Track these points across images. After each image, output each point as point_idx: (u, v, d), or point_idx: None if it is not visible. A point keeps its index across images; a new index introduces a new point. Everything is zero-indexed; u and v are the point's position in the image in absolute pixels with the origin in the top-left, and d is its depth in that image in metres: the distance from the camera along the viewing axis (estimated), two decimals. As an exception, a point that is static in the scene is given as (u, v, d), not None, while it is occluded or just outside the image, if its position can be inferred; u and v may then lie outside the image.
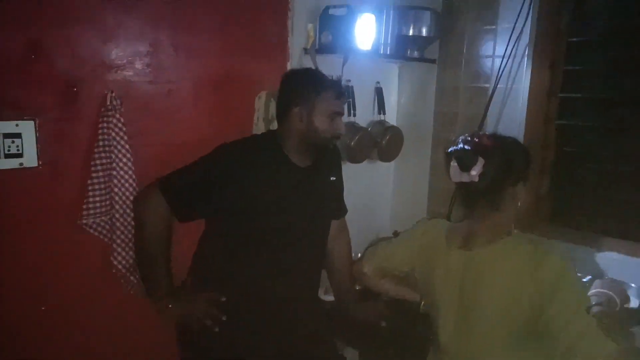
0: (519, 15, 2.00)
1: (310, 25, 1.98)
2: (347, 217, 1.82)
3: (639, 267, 1.81)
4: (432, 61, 2.34)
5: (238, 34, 1.81)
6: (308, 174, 1.55)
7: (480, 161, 1.16)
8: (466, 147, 1.20)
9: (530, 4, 1.98)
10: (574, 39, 2.08)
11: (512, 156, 1.22)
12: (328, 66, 1.98)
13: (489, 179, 1.18)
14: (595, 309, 1.17)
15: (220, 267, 1.54)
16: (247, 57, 1.85)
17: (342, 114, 1.52)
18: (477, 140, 1.21)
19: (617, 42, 2.06)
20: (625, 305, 1.51)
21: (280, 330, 1.55)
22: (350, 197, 2.17)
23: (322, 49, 1.97)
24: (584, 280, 1.69)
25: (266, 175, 1.47)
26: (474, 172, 1.17)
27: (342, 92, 1.53)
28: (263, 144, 1.55)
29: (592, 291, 1.28)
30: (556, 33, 2.09)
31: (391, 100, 2.47)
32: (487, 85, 2.17)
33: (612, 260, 1.88)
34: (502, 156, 1.19)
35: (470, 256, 1.22)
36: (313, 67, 1.85)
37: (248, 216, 1.47)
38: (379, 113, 2.35)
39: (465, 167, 1.18)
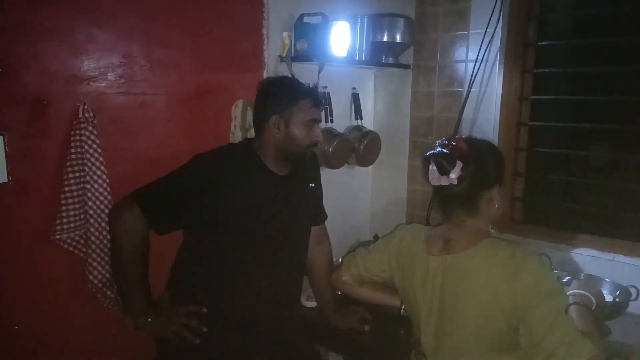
0: (489, 22, 2.04)
1: (285, 34, 1.99)
2: (328, 222, 1.83)
3: (611, 263, 1.86)
4: (407, 67, 2.37)
5: (212, 44, 1.80)
6: (286, 182, 1.55)
7: (458, 164, 1.18)
8: (444, 150, 1.22)
9: (500, 11, 2.03)
10: (543, 43, 2.13)
11: (488, 160, 1.24)
12: (304, 73, 1.99)
13: (467, 183, 1.20)
14: (572, 308, 1.19)
15: (199, 279, 1.52)
16: (222, 67, 1.84)
17: (319, 121, 1.52)
18: (454, 144, 1.23)
19: (584, 46, 2.13)
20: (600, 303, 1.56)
21: (261, 340, 1.54)
22: (329, 202, 2.18)
23: (297, 56, 1.97)
24: (564, 280, 1.73)
25: (243, 184, 1.46)
26: (453, 175, 1.19)
27: (319, 100, 1.53)
28: (240, 153, 1.54)
29: (570, 291, 1.32)
30: (525, 39, 2.15)
31: (368, 105, 2.49)
32: (461, 89, 2.22)
33: (586, 257, 1.93)
34: (478, 160, 1.21)
35: (450, 260, 1.23)
36: (289, 75, 1.85)
37: (226, 226, 1.46)
38: (356, 118, 2.37)
39: (444, 171, 1.20)
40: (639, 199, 1.86)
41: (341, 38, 1.98)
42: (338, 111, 2.27)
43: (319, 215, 1.77)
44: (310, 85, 1.56)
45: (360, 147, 2.30)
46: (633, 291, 1.57)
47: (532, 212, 2.27)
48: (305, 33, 1.95)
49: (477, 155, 1.22)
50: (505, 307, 1.13)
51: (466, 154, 1.20)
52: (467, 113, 2.19)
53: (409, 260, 1.34)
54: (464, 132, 2.21)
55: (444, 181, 1.21)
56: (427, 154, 1.26)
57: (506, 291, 1.12)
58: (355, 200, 2.54)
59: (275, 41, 1.98)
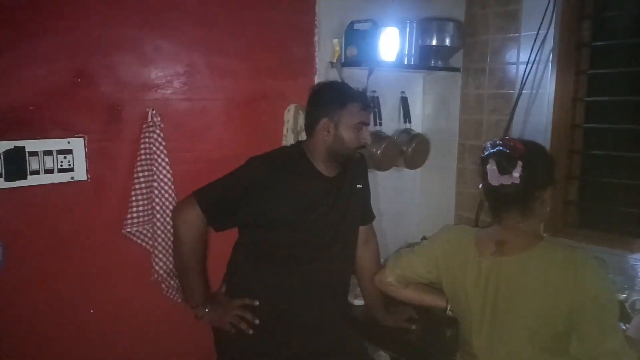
0: (541, 23, 2.02)
1: (336, 40, 2.06)
2: (376, 223, 1.88)
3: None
4: (456, 70, 2.38)
5: (267, 52, 1.91)
6: (335, 183, 1.61)
7: (519, 164, 1.19)
8: (505, 150, 1.22)
9: (553, 12, 2.01)
10: (598, 44, 2.08)
11: (543, 160, 1.26)
12: (354, 78, 2.06)
13: (526, 182, 1.20)
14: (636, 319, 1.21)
15: (252, 274, 1.61)
16: (276, 73, 1.95)
17: (367, 124, 1.58)
18: (512, 144, 1.23)
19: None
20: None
21: (309, 333, 1.61)
22: (378, 204, 2.24)
23: (347, 62, 2.04)
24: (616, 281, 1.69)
25: (294, 186, 1.54)
26: (516, 173, 1.19)
27: (368, 103, 1.59)
28: (291, 155, 1.63)
29: (635, 298, 1.32)
30: (579, 39, 2.10)
31: (416, 109, 2.52)
32: (511, 91, 2.20)
33: (641, 264, 1.87)
34: (535, 160, 1.22)
35: (504, 262, 1.23)
36: (339, 80, 1.93)
37: (277, 225, 1.55)
38: (405, 122, 2.40)
39: (505, 170, 1.20)
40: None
41: (390, 43, 2.03)
42: (387, 114, 2.32)
43: (367, 215, 1.82)
44: (359, 90, 1.61)
45: (409, 150, 2.33)
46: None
47: (586, 216, 2.21)
48: (355, 39, 2.01)
49: (533, 156, 1.23)
50: (563, 310, 1.13)
51: (525, 153, 1.21)
52: (518, 115, 2.17)
53: (459, 261, 1.34)
54: (514, 134, 2.19)
55: (505, 180, 1.20)
56: (485, 154, 1.26)
57: (565, 295, 1.13)
58: (404, 202, 2.57)
59: (326, 47, 2.06)
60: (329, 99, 1.55)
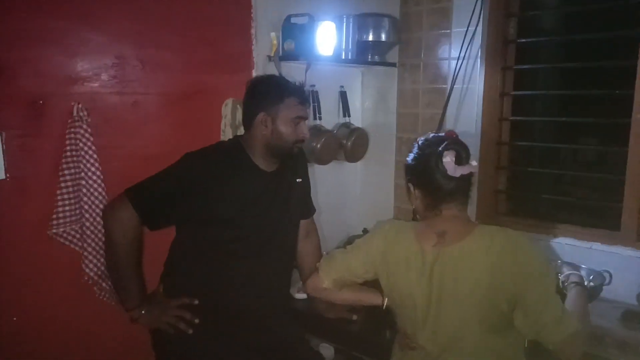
0: (470, 20, 2.11)
1: (273, 34, 2.05)
2: (318, 216, 1.89)
3: (589, 251, 1.94)
4: (393, 65, 2.44)
5: (202, 46, 1.86)
6: (274, 178, 1.61)
7: (472, 162, 1.23)
8: (459, 141, 1.26)
9: (480, 10, 2.10)
10: (522, 40, 2.21)
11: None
12: (292, 72, 2.06)
13: (470, 178, 1.26)
14: (574, 288, 1.31)
15: (191, 272, 1.58)
16: (212, 67, 1.90)
17: (305, 118, 1.58)
18: (455, 136, 1.27)
19: (563, 43, 2.21)
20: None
21: (251, 330, 1.61)
22: (319, 197, 2.25)
23: (285, 56, 2.04)
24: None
25: (232, 181, 1.52)
26: (474, 162, 1.23)
27: (305, 98, 1.59)
28: (228, 151, 1.60)
29: (568, 272, 1.41)
30: (506, 36, 2.22)
31: (356, 103, 2.56)
32: (444, 86, 2.29)
33: (565, 246, 2.01)
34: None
35: (447, 252, 1.25)
36: (277, 74, 1.92)
37: (216, 222, 1.52)
38: (344, 116, 2.43)
39: (463, 160, 1.23)
40: (615, 190, 1.93)
41: (327, 38, 2.05)
42: (326, 109, 2.33)
43: (307, 209, 1.83)
44: (297, 84, 1.62)
45: (348, 144, 2.36)
46: (607, 275, 1.65)
47: (515, 204, 2.34)
48: (293, 33, 2.01)
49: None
50: (506, 288, 1.18)
51: (467, 152, 1.25)
52: (451, 109, 2.26)
53: (399, 256, 1.34)
54: (447, 127, 2.28)
55: (464, 170, 1.22)
56: (441, 147, 1.23)
57: (507, 273, 1.17)
58: (345, 195, 2.61)
59: (264, 41, 2.04)
60: (266, 93, 1.54)
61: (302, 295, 2.03)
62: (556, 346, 1.16)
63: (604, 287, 1.69)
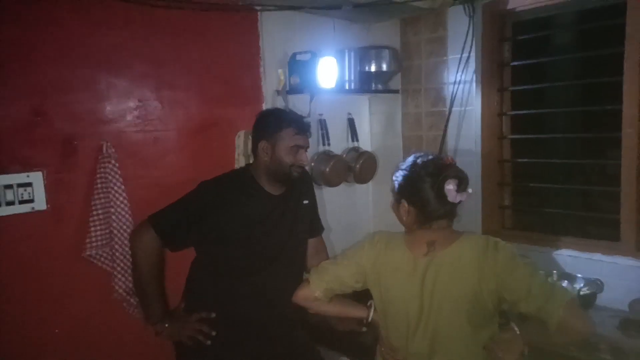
0: (464, 47, 2.25)
1: (280, 70, 2.25)
2: (331, 235, 2.02)
3: (589, 261, 2.00)
4: (396, 91, 2.60)
5: (215, 83, 2.08)
6: (281, 201, 1.77)
7: (469, 189, 1.32)
8: (460, 169, 1.33)
9: (472, 37, 2.24)
10: (515, 63, 2.32)
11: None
12: (299, 104, 2.26)
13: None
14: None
15: (209, 288, 1.74)
16: (225, 102, 2.12)
17: (303, 146, 1.73)
18: (454, 162, 1.35)
19: (556, 63, 2.31)
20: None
21: (264, 342, 1.74)
22: (332, 217, 2.40)
23: (291, 90, 2.23)
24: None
25: (242, 205, 1.69)
26: (471, 190, 1.32)
27: (303, 128, 1.73)
28: (239, 178, 1.78)
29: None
30: (500, 59, 2.34)
31: (364, 128, 2.72)
32: (444, 109, 2.42)
33: (567, 257, 2.07)
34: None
35: (437, 258, 1.34)
36: (281, 107, 2.10)
37: (228, 242, 1.69)
38: (352, 140, 2.59)
39: (463, 187, 1.30)
40: (606, 200, 1.98)
41: (328, 71, 2.23)
42: (335, 135, 2.51)
43: (315, 228, 1.96)
44: (300, 115, 1.78)
45: (357, 166, 2.51)
46: (600, 284, 1.71)
47: (520, 219, 2.41)
48: (297, 69, 2.21)
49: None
50: (490, 288, 1.27)
51: (463, 176, 1.34)
52: (452, 130, 2.39)
53: (391, 266, 1.39)
54: (449, 146, 2.40)
55: (462, 197, 1.30)
56: (444, 174, 1.29)
57: (489, 273, 1.27)
58: (358, 215, 2.73)
59: (272, 77, 2.25)
60: (267, 124, 1.72)
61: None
62: (562, 319, 1.19)
63: (603, 296, 1.75)
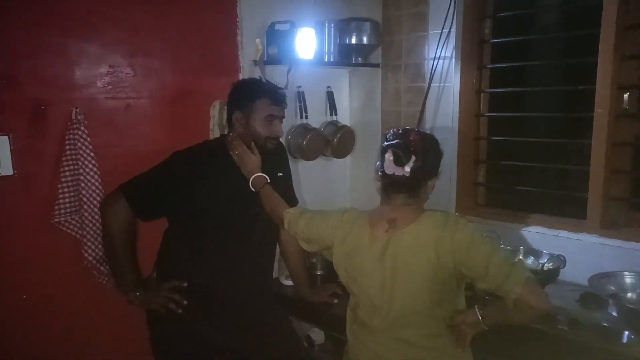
0: (444, 22, 2.24)
1: (258, 40, 2.21)
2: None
3: (556, 238, 2.05)
4: (377, 66, 2.58)
5: (191, 52, 2.05)
6: None
7: (412, 158, 1.32)
8: (402, 143, 1.34)
9: (454, 12, 2.22)
10: (496, 41, 2.32)
11: (433, 154, 1.38)
12: (276, 75, 2.23)
13: (416, 174, 1.33)
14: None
15: (181, 259, 1.75)
16: (201, 72, 2.08)
17: (278, 117, 1.72)
18: (410, 138, 1.35)
19: (535, 42, 2.31)
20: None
21: (236, 312, 1.76)
22: (309, 191, 2.40)
23: (269, 60, 2.20)
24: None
25: (215, 176, 1.69)
26: (408, 168, 1.31)
27: (278, 98, 1.73)
28: (212, 148, 1.77)
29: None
30: (481, 37, 2.33)
31: (344, 102, 2.70)
32: (423, 85, 2.41)
33: (534, 234, 2.12)
34: (427, 154, 1.35)
35: (397, 236, 1.36)
36: (258, 77, 2.08)
37: (201, 213, 1.69)
38: (331, 114, 2.58)
39: (400, 162, 1.32)
40: (582, 180, 2.02)
41: (307, 42, 2.20)
42: (314, 108, 2.49)
43: (290, 201, 1.94)
44: (276, 85, 1.76)
45: (334, 140, 2.51)
46: (563, 259, 1.76)
47: (493, 196, 2.45)
48: (276, 39, 2.17)
49: (427, 150, 1.34)
50: (448, 266, 1.30)
51: (419, 148, 1.33)
52: (429, 106, 2.39)
53: (354, 243, 1.42)
54: (427, 123, 2.41)
55: (398, 171, 1.32)
56: (385, 144, 1.35)
57: (447, 249, 1.29)
58: (335, 189, 2.75)
59: (250, 47, 2.21)
60: (241, 94, 1.71)
61: (289, 282, 2.19)
62: (519, 297, 1.21)
63: (567, 271, 1.81)
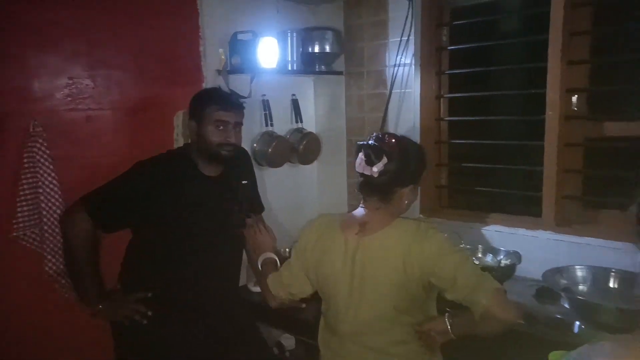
0: (403, 30, 2.31)
1: (221, 50, 2.24)
2: (276, 215, 2.05)
3: (513, 236, 2.13)
4: (340, 73, 2.63)
5: (154, 63, 2.05)
6: (218, 182, 1.77)
7: (383, 160, 1.32)
8: (375, 144, 1.33)
9: (412, 21, 2.30)
10: (452, 47, 2.40)
11: (410, 161, 1.36)
12: (240, 84, 2.26)
13: (386, 177, 1.33)
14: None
15: (145, 270, 1.74)
16: (164, 82, 2.09)
17: (229, 123, 1.70)
18: (386, 140, 1.37)
19: (491, 48, 2.40)
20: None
21: (203, 320, 1.76)
22: (277, 198, 2.42)
23: (232, 69, 2.23)
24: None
25: (178, 187, 1.69)
26: (376, 168, 1.32)
27: (228, 104, 1.72)
28: (175, 158, 1.78)
29: None
30: (439, 44, 2.41)
31: (309, 110, 2.74)
32: (385, 91, 2.48)
33: (494, 233, 2.20)
34: (402, 159, 1.33)
35: (367, 241, 1.37)
36: (220, 87, 2.09)
37: (164, 225, 1.69)
38: (297, 122, 2.62)
39: (370, 162, 1.32)
40: (539, 180, 2.10)
41: (270, 51, 2.23)
42: (279, 116, 2.52)
43: (254, 208, 1.97)
44: (232, 93, 1.79)
45: (300, 147, 2.55)
46: (518, 255, 1.83)
47: (456, 197, 2.52)
48: (238, 49, 2.20)
49: (402, 155, 1.33)
50: (416, 275, 1.30)
51: (392, 151, 1.32)
52: (392, 112, 2.45)
53: (325, 246, 1.42)
54: (390, 128, 2.47)
55: (367, 171, 1.34)
56: (360, 142, 1.37)
57: (415, 259, 1.29)
58: (303, 195, 2.77)
59: (213, 57, 2.23)
60: (194, 103, 1.73)
61: (257, 289, 2.19)
62: (487, 309, 1.21)
63: (524, 268, 1.88)
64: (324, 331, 1.51)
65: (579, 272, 1.75)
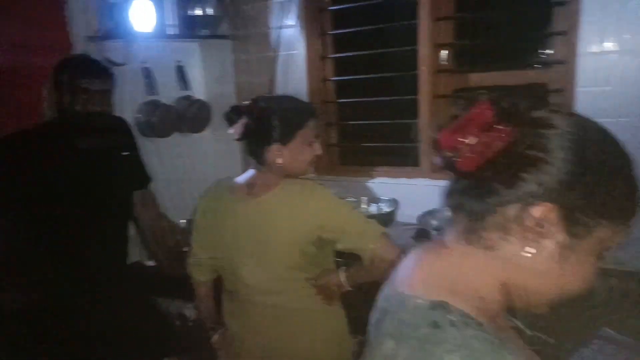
0: (284, -9, 2.31)
1: (90, 15, 2.10)
2: (171, 187, 1.99)
3: (396, 186, 2.28)
4: (226, 37, 2.59)
5: (15, 28, 1.88)
6: (94, 154, 1.67)
7: (241, 122, 1.33)
8: (235, 106, 1.37)
9: (292, -20, 2.30)
10: (333, 8, 2.45)
11: (270, 119, 1.33)
12: (117, 52, 2.14)
13: (249, 138, 1.36)
14: None
15: (19, 259, 1.62)
16: (28, 49, 1.92)
17: (90, 90, 1.63)
18: (249, 103, 1.37)
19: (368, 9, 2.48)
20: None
21: (94, 296, 1.70)
22: (170, 169, 2.36)
23: (105, 35, 2.10)
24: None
25: (46, 162, 1.58)
26: (231, 130, 1.35)
27: (89, 70, 1.65)
28: (43, 131, 1.66)
29: None
30: (320, 4, 2.45)
31: (197, 76, 2.68)
32: (272, 54, 2.48)
33: (379, 184, 2.34)
34: (262, 119, 1.32)
35: (257, 202, 1.37)
36: (86, 54, 1.96)
37: (34, 205, 1.57)
38: (183, 89, 2.55)
39: (231, 124, 1.36)
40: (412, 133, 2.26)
41: (144, 14, 2.13)
42: (165, 84, 2.44)
43: (140, 180, 1.88)
44: (97, 60, 1.69)
45: (188, 115, 2.49)
46: (396, 202, 1.98)
47: (347, 155, 2.63)
48: (109, 12, 2.08)
49: (263, 115, 1.33)
50: (304, 230, 1.33)
51: (253, 111, 1.34)
52: (281, 74, 2.47)
53: (215, 211, 1.42)
54: (280, 91, 2.49)
55: (230, 132, 1.35)
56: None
57: (302, 217, 1.33)
58: (198, 165, 2.73)
59: (80, 21, 2.08)
60: (55, 71, 1.63)
61: (151, 262, 2.15)
62: (374, 252, 1.27)
63: (404, 213, 2.04)
64: (226, 301, 1.52)
65: (448, 213, 1.92)
